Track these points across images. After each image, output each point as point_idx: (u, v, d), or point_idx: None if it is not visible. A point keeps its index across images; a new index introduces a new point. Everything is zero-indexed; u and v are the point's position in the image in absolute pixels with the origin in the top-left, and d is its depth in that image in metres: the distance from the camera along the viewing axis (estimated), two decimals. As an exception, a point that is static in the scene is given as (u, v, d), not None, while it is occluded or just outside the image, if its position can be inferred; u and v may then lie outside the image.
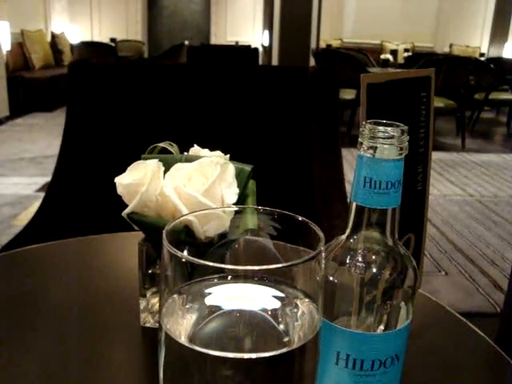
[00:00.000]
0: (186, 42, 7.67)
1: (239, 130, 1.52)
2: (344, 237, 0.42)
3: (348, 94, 5.18)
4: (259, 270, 0.27)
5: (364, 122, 0.38)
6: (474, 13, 10.20)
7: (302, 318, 0.32)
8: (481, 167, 4.95)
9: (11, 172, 4.17)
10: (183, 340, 0.29)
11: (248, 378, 0.29)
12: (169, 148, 0.61)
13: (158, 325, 0.61)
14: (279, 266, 0.27)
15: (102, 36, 9.62)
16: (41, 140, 5.25)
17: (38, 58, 7.58)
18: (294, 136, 1.52)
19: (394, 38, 9.88)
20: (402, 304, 0.41)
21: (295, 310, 0.32)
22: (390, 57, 7.67)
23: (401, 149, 0.38)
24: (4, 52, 6.27)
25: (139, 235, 0.62)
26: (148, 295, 0.63)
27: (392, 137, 0.37)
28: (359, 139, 0.38)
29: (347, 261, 0.40)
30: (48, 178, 3.98)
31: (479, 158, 5.29)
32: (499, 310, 2.27)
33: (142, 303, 0.63)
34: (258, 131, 1.51)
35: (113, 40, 8.86)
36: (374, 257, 0.41)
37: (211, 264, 0.27)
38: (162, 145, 0.61)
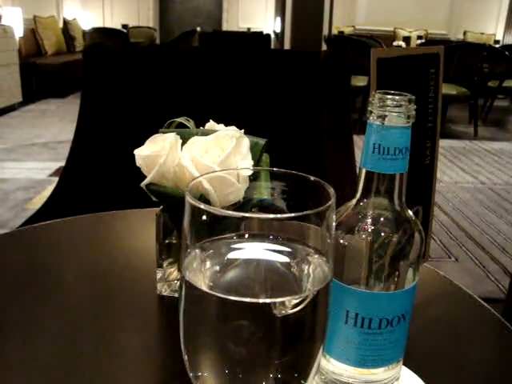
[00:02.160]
0: (198, 29, 7.66)
1: (251, 114, 1.53)
2: (353, 202, 0.44)
3: (360, 81, 5.16)
4: (274, 218, 0.30)
5: (373, 92, 0.40)
6: (489, -1, 10.08)
7: (314, 272, 0.34)
8: (493, 155, 4.93)
9: (24, 157, 4.22)
10: (203, 288, 0.31)
11: (263, 323, 0.31)
12: (185, 123, 0.63)
13: (174, 294, 0.64)
14: (292, 215, 0.29)
15: (113, 22, 9.63)
16: (53, 126, 5.30)
17: (50, 45, 7.62)
18: (305, 119, 1.54)
19: (408, 24, 9.79)
20: (409, 266, 0.43)
21: (307, 265, 0.35)
22: (402, 44, 7.61)
23: (408, 117, 0.40)
24: (17, 38, 6.30)
25: (154, 212, 0.64)
26: (164, 265, 0.65)
27: (400, 105, 0.39)
28: (368, 108, 0.41)
29: (356, 225, 0.43)
30: (61, 163, 4.03)
31: (492, 146, 5.26)
32: (508, 296, 2.28)
33: (159, 273, 0.66)
34: (270, 114, 1.52)
35: (124, 26, 8.86)
36: (382, 221, 0.43)
37: (230, 212, 0.29)
38: (179, 120, 0.63)
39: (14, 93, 5.97)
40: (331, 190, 0.32)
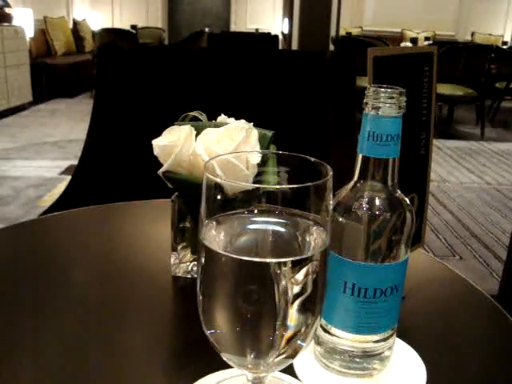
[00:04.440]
0: (206, 30, 7.72)
1: (258, 113, 1.58)
2: (351, 184, 0.49)
3: (366, 82, 5.19)
4: (279, 188, 0.35)
5: (368, 86, 0.45)
6: (497, 0, 10.08)
7: (315, 240, 0.39)
8: (499, 156, 4.95)
9: (35, 155, 4.28)
10: (219, 250, 0.37)
11: (270, 282, 0.36)
12: (199, 116, 0.69)
13: (187, 274, 0.69)
14: (295, 186, 0.35)
15: (122, 23, 9.71)
16: (63, 125, 5.37)
17: (60, 45, 7.70)
18: (312, 118, 1.58)
19: (415, 26, 9.82)
20: (401, 241, 0.48)
21: (308, 234, 0.40)
22: (409, 45, 7.64)
23: (399, 107, 0.45)
24: (27, 39, 6.38)
25: (166, 203, 0.69)
26: (179, 249, 0.70)
27: (392, 97, 0.45)
28: (364, 100, 0.46)
29: (353, 204, 0.48)
30: (71, 162, 4.09)
31: (498, 147, 5.28)
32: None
33: (173, 257, 0.71)
34: (277, 114, 1.57)
35: (133, 27, 8.93)
36: (376, 200, 0.48)
37: (244, 184, 0.35)
38: (192, 113, 0.68)
39: (25, 92, 6.05)
40: (328, 168, 0.37)
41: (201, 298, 0.39)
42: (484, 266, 2.66)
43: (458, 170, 4.39)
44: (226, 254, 0.36)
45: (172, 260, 0.71)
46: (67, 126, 5.33)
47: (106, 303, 0.67)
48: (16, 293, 0.68)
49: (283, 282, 0.36)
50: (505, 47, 7.67)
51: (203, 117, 0.69)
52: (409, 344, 0.58)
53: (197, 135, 0.63)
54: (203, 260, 0.38)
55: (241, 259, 0.35)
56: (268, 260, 0.36)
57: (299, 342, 0.39)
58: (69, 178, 1.82)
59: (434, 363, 0.55)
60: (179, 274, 0.71)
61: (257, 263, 0.35)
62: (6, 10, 6.19)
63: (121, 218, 0.95)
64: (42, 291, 0.68)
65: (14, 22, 6.21)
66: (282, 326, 0.37)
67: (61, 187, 3.43)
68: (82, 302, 0.67)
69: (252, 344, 0.38)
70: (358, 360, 0.52)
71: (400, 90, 0.45)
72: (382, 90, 0.45)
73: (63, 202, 1.70)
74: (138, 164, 1.66)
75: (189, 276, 0.70)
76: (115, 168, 1.67)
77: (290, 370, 0.53)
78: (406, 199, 0.49)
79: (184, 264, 0.71)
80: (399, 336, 0.57)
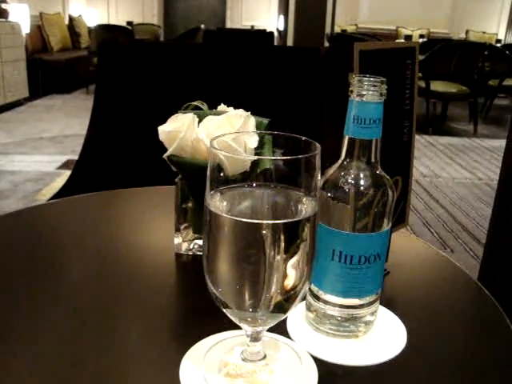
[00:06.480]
0: (202, 26, 7.76)
1: (253, 107, 1.63)
2: (338, 163, 0.55)
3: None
4: (274, 158, 0.42)
5: (354, 76, 0.51)
6: (491, -1, 10.16)
7: (306, 208, 0.45)
8: (491, 152, 5.02)
9: (32, 150, 4.32)
10: (222, 214, 0.42)
11: (266, 239, 0.42)
12: (200, 106, 0.74)
13: (189, 252, 0.75)
14: (288, 158, 0.41)
15: (118, 19, 9.74)
16: (59, 120, 5.41)
17: (56, 41, 7.73)
18: (306, 111, 1.64)
19: (410, 23, 9.89)
20: (383, 214, 0.54)
21: (300, 203, 0.46)
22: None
23: (381, 94, 0.51)
24: (23, 34, 6.41)
25: (165, 190, 0.74)
26: (181, 228, 0.76)
27: (375, 85, 0.51)
28: (350, 88, 0.52)
29: (341, 181, 0.54)
30: (68, 156, 4.10)
31: (490, 144, 5.35)
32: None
33: (176, 236, 0.77)
34: (272, 107, 1.62)
35: (129, 23, 8.96)
36: (361, 177, 0.54)
37: (243, 155, 0.40)
38: (194, 103, 0.74)
39: (21, 88, 6.08)
40: (317, 144, 0.43)
41: (206, 259, 0.45)
42: (474, 258, 2.72)
43: (451, 165, 4.46)
44: (228, 216, 0.41)
45: (175, 239, 0.77)
46: (63, 121, 5.37)
47: (108, 278, 0.71)
48: (16, 276, 0.71)
49: (277, 242, 0.41)
50: (498, 45, 7.73)
51: (204, 106, 0.74)
52: (392, 312, 0.64)
53: (199, 122, 0.68)
54: (208, 224, 0.43)
55: (240, 221, 0.41)
56: (264, 221, 0.41)
57: (291, 297, 0.45)
58: (66, 172, 1.87)
59: (414, 328, 0.62)
60: (182, 252, 0.76)
61: (254, 224, 0.41)
62: (3, 5, 6.21)
63: (123, 202, 1.00)
64: (44, 269, 0.73)
65: (10, 18, 6.23)
66: (276, 281, 0.43)
67: (59, 181, 3.47)
68: (86, 277, 0.72)
69: (249, 297, 0.44)
70: (345, 324, 0.58)
71: (381, 79, 0.51)
72: (366, 78, 0.51)
73: (63, 195, 1.74)
74: (137, 156, 1.71)
75: (190, 253, 0.76)
76: (115, 160, 1.72)
77: (285, 334, 0.59)
78: (388, 177, 0.55)
79: (186, 242, 0.76)
80: (383, 304, 0.63)
